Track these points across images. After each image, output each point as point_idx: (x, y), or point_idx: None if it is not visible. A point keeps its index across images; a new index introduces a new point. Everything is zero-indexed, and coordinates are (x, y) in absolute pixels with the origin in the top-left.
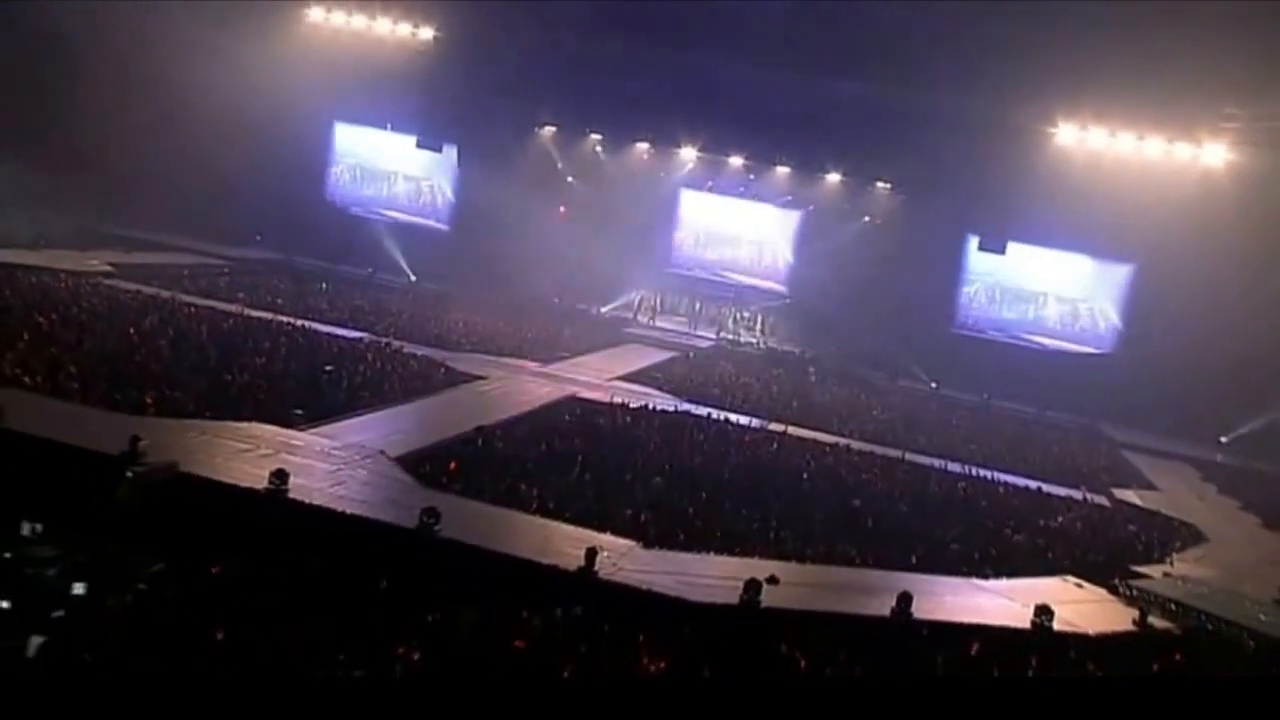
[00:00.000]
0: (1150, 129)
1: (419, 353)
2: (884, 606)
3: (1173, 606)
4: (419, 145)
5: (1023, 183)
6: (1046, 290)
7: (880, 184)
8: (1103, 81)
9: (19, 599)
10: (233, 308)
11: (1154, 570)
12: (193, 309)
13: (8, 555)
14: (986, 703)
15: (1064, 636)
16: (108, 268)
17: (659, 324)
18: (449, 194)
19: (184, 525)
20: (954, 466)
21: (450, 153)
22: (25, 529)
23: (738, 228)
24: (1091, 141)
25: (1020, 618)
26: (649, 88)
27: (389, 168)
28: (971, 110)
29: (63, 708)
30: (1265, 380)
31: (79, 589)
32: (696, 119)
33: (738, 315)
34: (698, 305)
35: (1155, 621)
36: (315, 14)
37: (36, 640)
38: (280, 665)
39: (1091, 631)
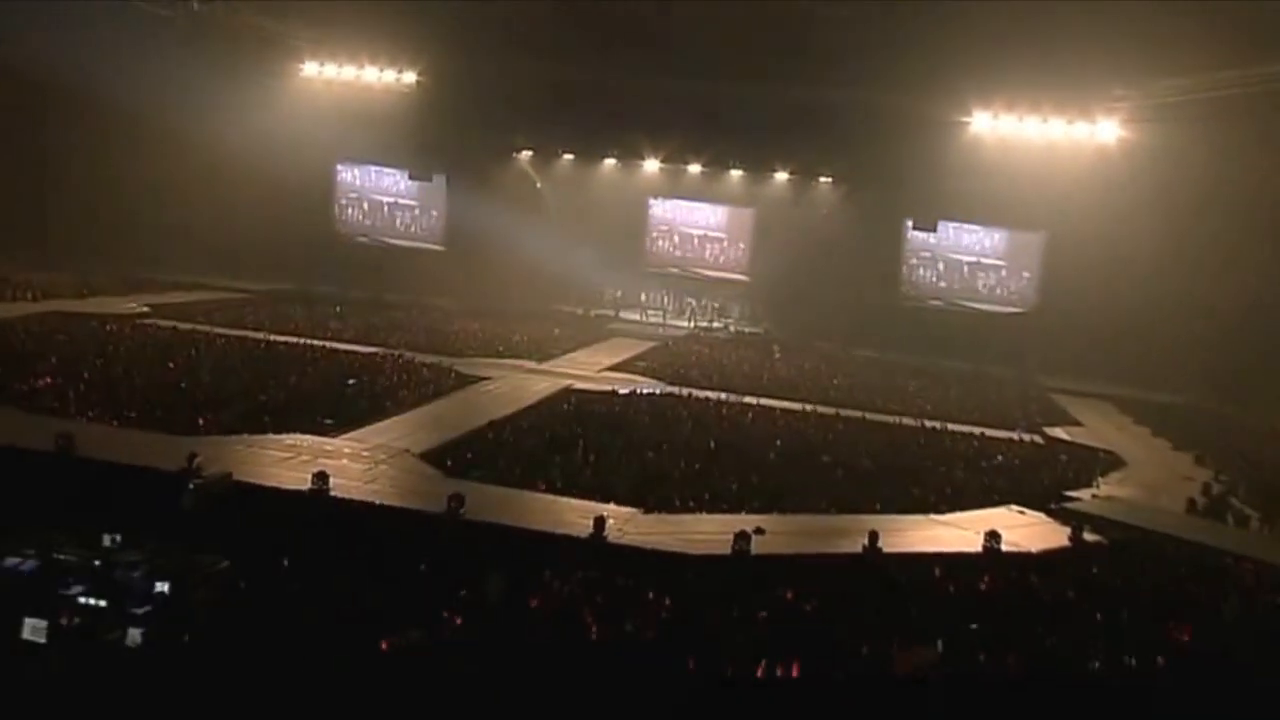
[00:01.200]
0: (1052, 111)
1: (429, 361)
2: (856, 545)
3: (1101, 523)
4: (411, 177)
5: (945, 168)
6: (974, 260)
7: (823, 179)
8: (1008, 72)
9: (113, 598)
10: (259, 335)
11: (1083, 494)
12: (224, 339)
13: (97, 563)
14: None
15: (1010, 556)
16: (146, 309)
17: (636, 317)
18: (442, 217)
19: (242, 526)
20: (908, 421)
21: (440, 181)
22: (107, 540)
23: (701, 227)
24: (1002, 127)
25: (973, 544)
26: (613, 109)
27: (387, 199)
28: (898, 107)
29: (166, 685)
30: (1162, 322)
31: (162, 587)
32: (657, 134)
33: (707, 305)
34: (669, 299)
35: (1087, 537)
36: (309, 68)
37: (135, 632)
38: (350, 631)
39: (1033, 550)
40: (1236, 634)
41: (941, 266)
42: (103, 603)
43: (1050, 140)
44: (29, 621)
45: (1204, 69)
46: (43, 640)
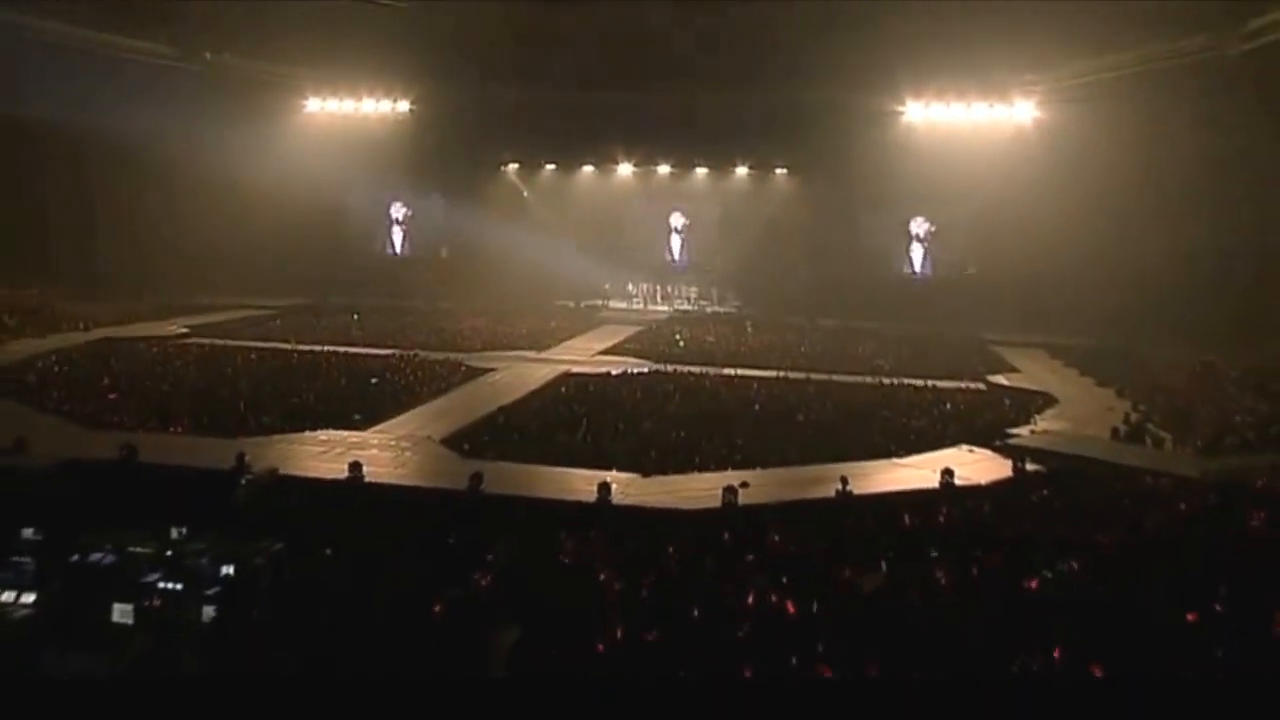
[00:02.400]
0: (975, 97)
1: (440, 357)
2: (829, 490)
3: (1039, 454)
4: (409, 198)
5: (884, 152)
6: (918, 233)
7: (779, 170)
8: (936, 63)
9: (187, 582)
10: (287, 346)
11: (1023, 430)
12: (257, 352)
13: (169, 553)
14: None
15: (964, 489)
16: (185, 330)
17: (622, 305)
18: (441, 229)
19: (290, 514)
20: (868, 379)
21: (437, 197)
22: (174, 533)
23: (674, 221)
24: (933, 114)
25: (931, 481)
26: (587, 121)
27: (393, 214)
28: (842, 102)
29: (239, 655)
30: (1081, 277)
31: (227, 570)
32: (628, 141)
33: (684, 290)
34: (650, 287)
35: (1029, 467)
36: (312, 104)
37: (209, 609)
38: (397, 595)
39: (984, 482)
40: (1157, 537)
41: (889, 241)
42: (178, 586)
43: (975, 123)
44: (117, 606)
45: (1100, 54)
46: (130, 621)
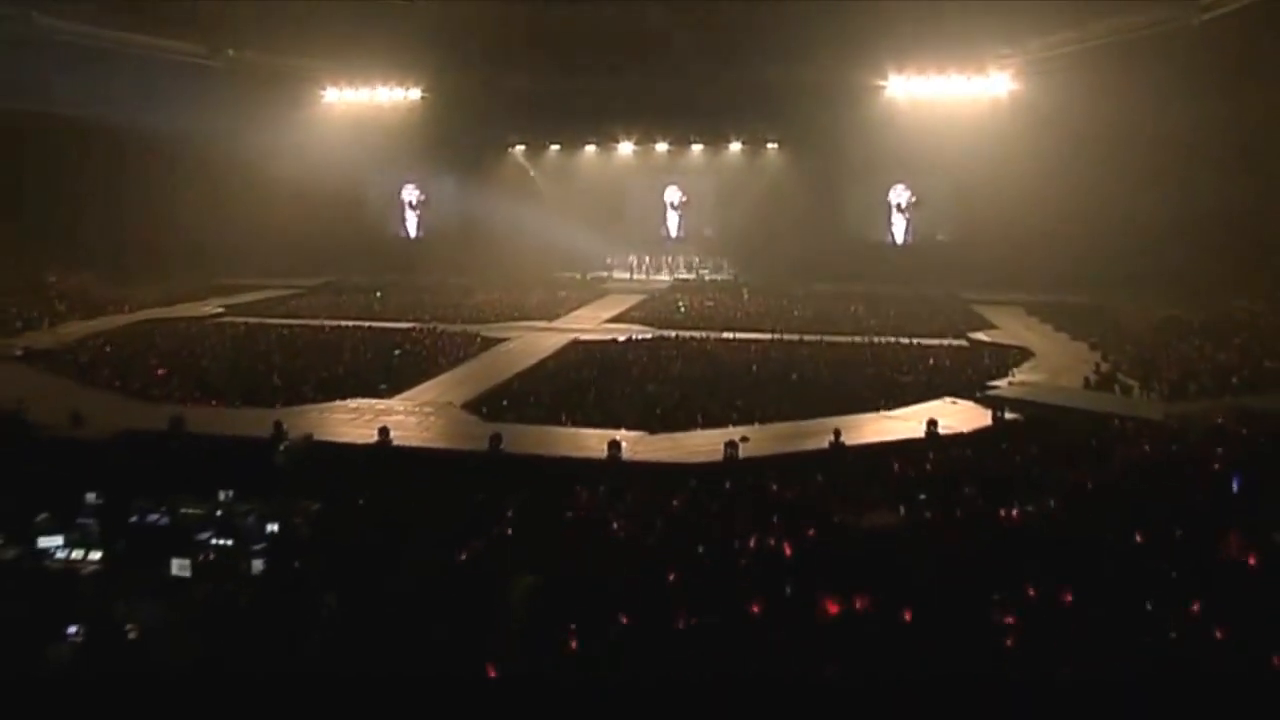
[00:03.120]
0: (953, 70)
1: (457, 329)
2: (823, 442)
3: (1017, 404)
4: (423, 181)
5: (868, 125)
6: (899, 201)
7: (770, 145)
8: (916, 38)
9: (236, 539)
10: (316, 322)
11: (1002, 382)
12: (288, 328)
13: (219, 513)
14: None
15: (948, 437)
16: (221, 309)
17: (626, 276)
18: (454, 209)
19: (325, 476)
20: (858, 339)
21: (449, 179)
22: (222, 495)
23: (672, 195)
24: (913, 87)
25: (918, 431)
26: (589, 103)
27: (408, 196)
28: (828, 79)
29: (284, 601)
30: (1056, 238)
31: (272, 527)
32: (628, 121)
33: (684, 259)
34: (652, 258)
35: (1007, 415)
36: (330, 94)
37: (257, 562)
38: (425, 546)
39: (966, 430)
40: (1123, 475)
41: (873, 210)
42: (229, 542)
43: (954, 96)
44: (175, 561)
45: (1070, 27)
46: (188, 574)
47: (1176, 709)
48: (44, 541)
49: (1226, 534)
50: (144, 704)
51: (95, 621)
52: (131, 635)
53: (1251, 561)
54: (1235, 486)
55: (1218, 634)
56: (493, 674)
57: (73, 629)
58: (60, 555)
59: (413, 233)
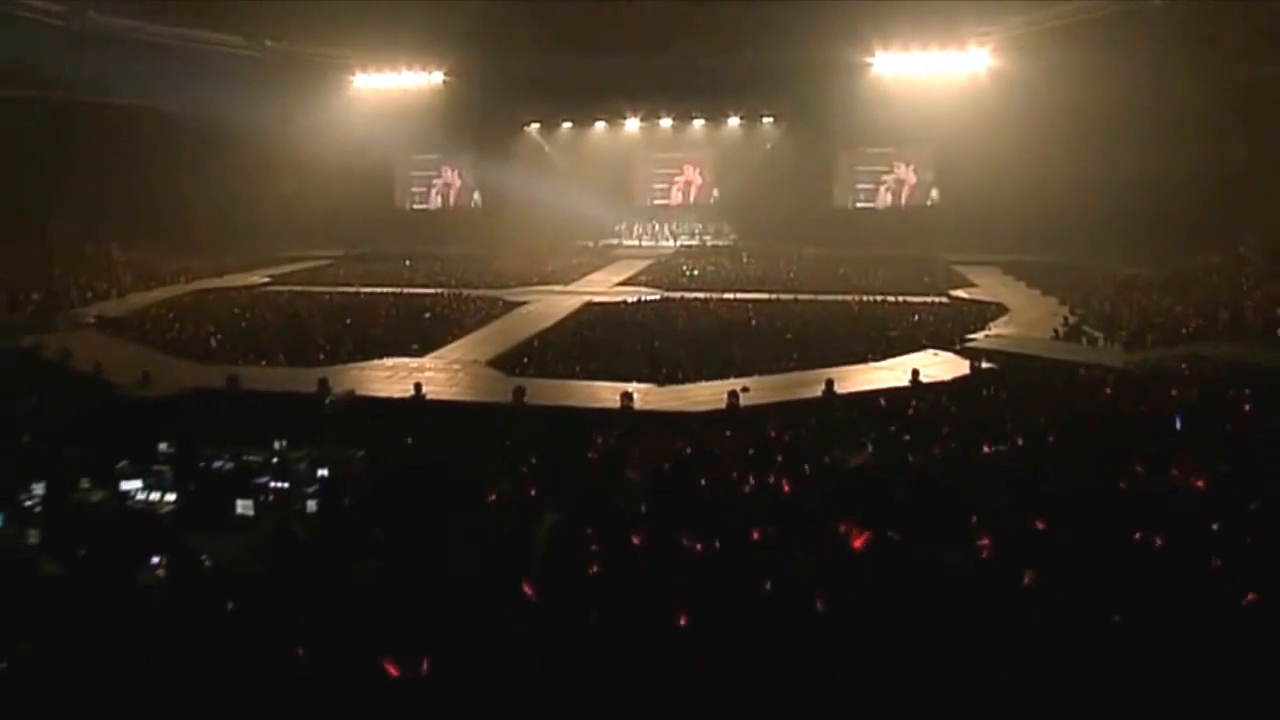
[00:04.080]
0: (935, 46)
1: (480, 294)
2: (817, 391)
3: (993, 354)
4: (446, 158)
5: (857, 100)
6: (887, 169)
7: (766, 119)
8: (900, 17)
9: (292, 482)
10: (352, 289)
11: (979, 335)
12: (328, 295)
13: (275, 460)
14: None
15: (930, 385)
16: (268, 279)
17: (634, 243)
18: (476, 184)
19: (367, 426)
20: (848, 297)
21: (470, 155)
22: (277, 445)
23: (676, 167)
24: (898, 63)
25: (902, 379)
26: (598, 83)
27: (431, 173)
28: (819, 56)
29: (343, 539)
30: (1029, 203)
31: (323, 472)
32: (634, 98)
33: (687, 226)
34: (658, 226)
35: (984, 365)
36: (359, 79)
37: (311, 503)
38: (457, 488)
39: (946, 378)
40: (1086, 416)
41: (862, 179)
42: (285, 485)
43: (936, 71)
44: (239, 501)
45: (1045, 5)
46: (251, 513)
47: (1122, 600)
48: (125, 485)
49: (1171, 464)
50: (218, 623)
51: (174, 553)
52: (206, 564)
53: (1200, 484)
54: (1178, 424)
55: (1157, 541)
56: (529, 592)
57: (155, 559)
58: (140, 497)
59: (438, 206)
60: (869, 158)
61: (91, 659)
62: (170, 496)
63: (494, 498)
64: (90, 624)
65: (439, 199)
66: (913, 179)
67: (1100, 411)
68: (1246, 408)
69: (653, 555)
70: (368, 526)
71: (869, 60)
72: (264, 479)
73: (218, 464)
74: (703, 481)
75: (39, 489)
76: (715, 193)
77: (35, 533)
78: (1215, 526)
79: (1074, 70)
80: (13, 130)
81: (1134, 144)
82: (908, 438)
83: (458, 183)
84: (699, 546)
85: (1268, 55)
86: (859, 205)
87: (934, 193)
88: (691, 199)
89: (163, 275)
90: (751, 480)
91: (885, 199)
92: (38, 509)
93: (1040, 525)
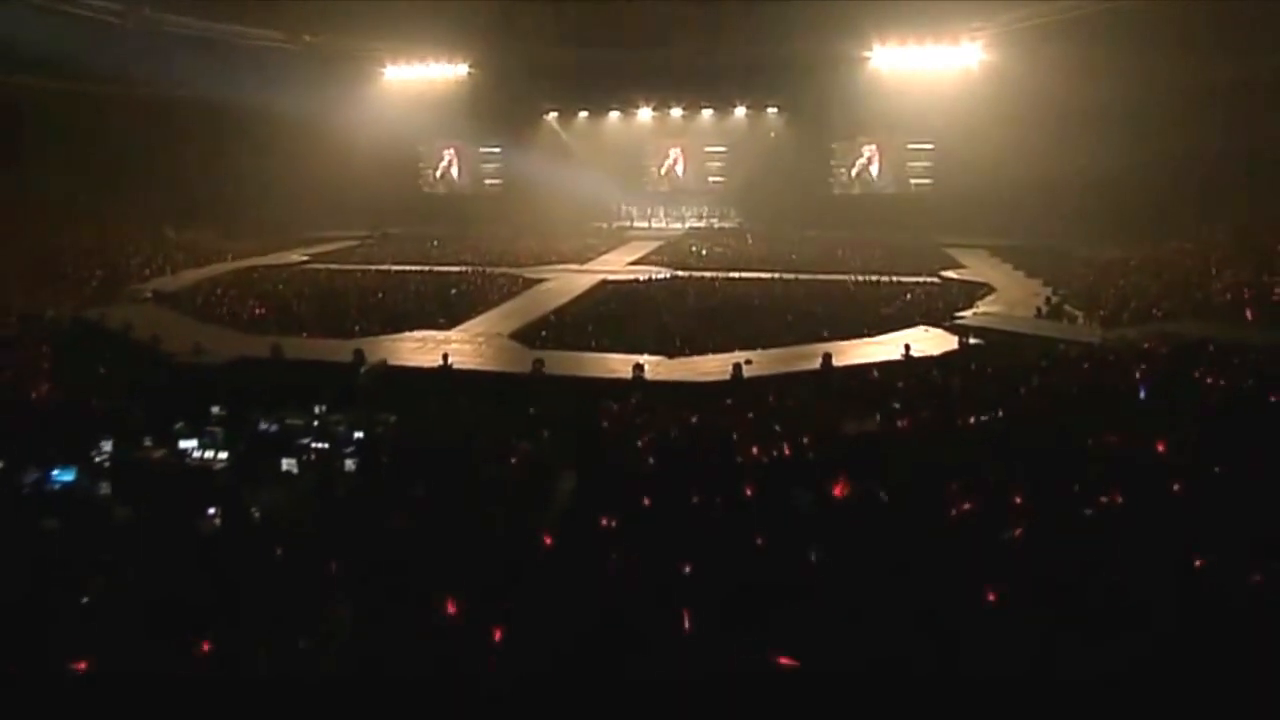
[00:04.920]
0: (930, 41)
1: (502, 271)
2: (815, 363)
3: (979, 331)
4: (470, 144)
5: (855, 92)
6: (883, 157)
7: (770, 109)
8: (897, 13)
9: (330, 443)
10: (384, 266)
11: (967, 313)
12: (361, 272)
13: (316, 423)
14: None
15: (921, 359)
16: (306, 257)
17: (646, 225)
18: (498, 169)
19: (398, 393)
20: (845, 277)
21: (493, 142)
22: (317, 409)
23: (685, 154)
24: (894, 58)
25: (895, 354)
26: (613, 75)
27: (456, 157)
28: (820, 50)
29: (373, 490)
30: (1017, 191)
31: (359, 434)
32: (647, 89)
33: (696, 210)
34: (668, 209)
35: (971, 340)
36: (390, 71)
37: (349, 462)
38: (482, 450)
39: (936, 353)
40: (1062, 391)
41: (859, 164)
42: (326, 445)
43: (931, 64)
44: (284, 460)
45: (1035, 2)
46: (296, 470)
47: (1091, 554)
48: (183, 444)
49: (1136, 431)
50: (268, 566)
51: (227, 505)
52: (255, 515)
53: (1161, 449)
54: (1142, 394)
55: (1117, 499)
56: (549, 542)
57: (211, 510)
58: (196, 455)
59: (463, 189)
60: (866, 146)
61: (159, 592)
62: (223, 455)
63: (515, 460)
64: (158, 563)
65: (462, 183)
66: (909, 166)
67: (1077, 383)
68: (1209, 380)
69: (661, 511)
70: (403, 483)
71: (867, 54)
72: (306, 440)
73: (264, 426)
74: (708, 445)
75: (107, 446)
76: (722, 178)
77: (106, 484)
78: (1176, 488)
79: (1060, 66)
80: (73, 122)
81: (1114, 137)
82: (897, 406)
83: (481, 168)
84: (702, 502)
85: (1240, 56)
86: (855, 190)
87: (927, 180)
88: (700, 184)
89: (211, 254)
90: (753, 445)
91: (880, 185)
92: (106, 464)
93: (1018, 486)
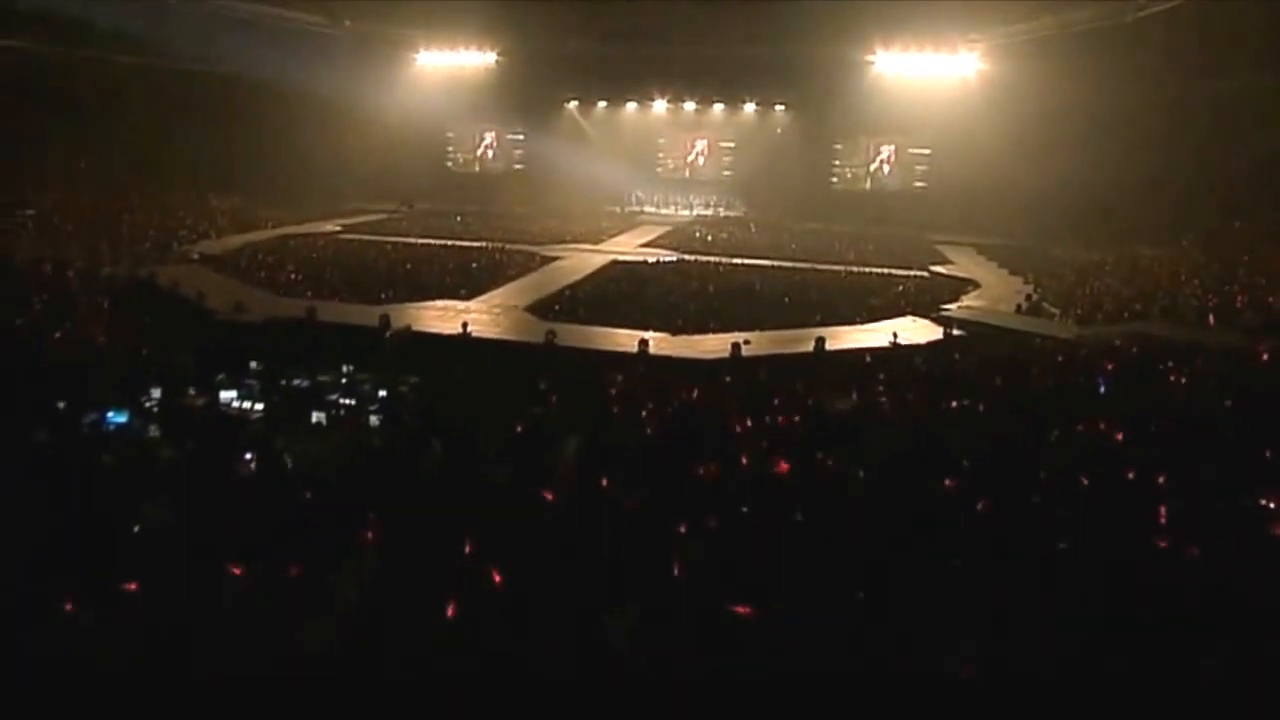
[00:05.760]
0: (930, 49)
1: (520, 248)
2: (809, 346)
3: (963, 323)
4: (495, 128)
5: (858, 93)
6: (880, 156)
7: (778, 107)
8: (900, 21)
9: (357, 400)
10: (410, 239)
11: (952, 306)
12: (390, 243)
13: (344, 381)
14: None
15: (907, 347)
16: (340, 228)
17: (656, 210)
18: (520, 153)
19: (420, 357)
20: (840, 267)
21: (517, 128)
22: (345, 369)
23: (696, 146)
24: (896, 63)
25: (883, 341)
26: (631, 68)
27: (482, 140)
28: (826, 53)
29: (396, 444)
30: (1005, 194)
31: (383, 393)
32: (663, 83)
33: (704, 198)
34: (678, 196)
35: (955, 332)
36: (422, 57)
37: (374, 418)
38: (494, 413)
39: (921, 342)
40: (1038, 379)
41: (858, 162)
42: (353, 402)
43: (930, 72)
44: (314, 414)
45: (1029, 18)
46: (325, 424)
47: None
48: (223, 394)
49: (1097, 421)
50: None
51: (262, 452)
52: (288, 463)
53: (1119, 438)
54: (1102, 388)
55: (1083, 481)
56: (550, 498)
57: (248, 456)
58: (234, 405)
59: (487, 170)
60: (865, 145)
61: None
62: (259, 406)
63: (525, 425)
64: (200, 498)
65: (487, 164)
66: (903, 166)
67: (1050, 375)
68: (1172, 379)
69: (661, 476)
70: (425, 438)
71: (871, 58)
72: (335, 396)
73: (297, 381)
74: (705, 417)
75: (156, 393)
76: (730, 169)
77: (155, 427)
78: (1131, 476)
79: (1051, 77)
80: (123, 94)
81: (1097, 148)
82: (883, 389)
83: (505, 151)
84: (700, 469)
85: (1217, 77)
86: (853, 187)
87: (921, 179)
88: (708, 174)
89: (252, 221)
90: (748, 420)
91: (876, 182)
92: (155, 409)
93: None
